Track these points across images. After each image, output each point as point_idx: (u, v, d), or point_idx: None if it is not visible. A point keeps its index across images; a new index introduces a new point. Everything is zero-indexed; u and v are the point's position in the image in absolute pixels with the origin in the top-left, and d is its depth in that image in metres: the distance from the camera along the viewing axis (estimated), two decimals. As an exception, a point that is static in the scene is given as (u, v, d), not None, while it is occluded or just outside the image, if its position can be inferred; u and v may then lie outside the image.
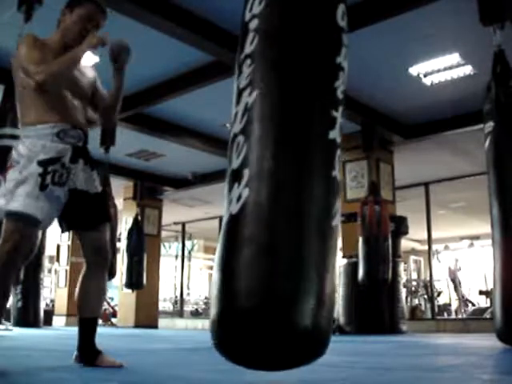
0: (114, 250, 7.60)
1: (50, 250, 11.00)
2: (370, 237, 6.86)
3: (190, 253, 16.62)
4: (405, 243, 9.64)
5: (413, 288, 12.26)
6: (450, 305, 12.28)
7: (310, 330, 1.30)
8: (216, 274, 1.39)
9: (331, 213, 1.39)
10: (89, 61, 2.60)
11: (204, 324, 12.31)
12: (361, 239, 6.89)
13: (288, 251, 1.33)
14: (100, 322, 10.28)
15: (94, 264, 2.35)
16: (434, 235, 10.53)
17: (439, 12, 5.10)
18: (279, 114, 1.42)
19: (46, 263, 11.21)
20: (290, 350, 1.31)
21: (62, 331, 7.96)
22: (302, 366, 1.38)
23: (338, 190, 1.44)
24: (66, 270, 11.17)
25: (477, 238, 13.77)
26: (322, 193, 1.39)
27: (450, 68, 6.35)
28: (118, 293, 11.28)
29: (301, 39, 1.45)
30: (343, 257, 7.26)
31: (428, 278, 10.94)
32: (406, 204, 9.59)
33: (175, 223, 14.25)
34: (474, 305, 11.76)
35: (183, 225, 14.48)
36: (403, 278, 9.48)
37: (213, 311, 1.37)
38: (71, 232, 2.49)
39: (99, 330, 2.40)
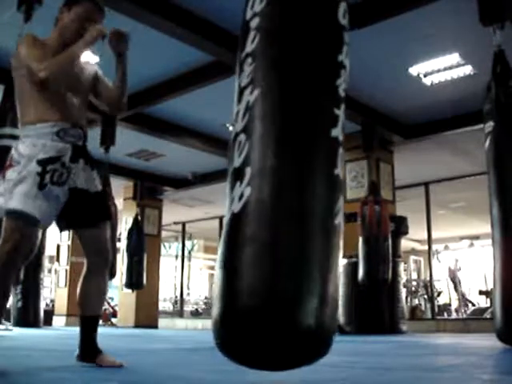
0: (114, 250, 7.61)
1: (50, 250, 11.00)
2: (370, 237, 6.86)
3: (189, 253, 16.62)
4: (405, 243, 9.64)
5: (413, 288, 12.26)
6: (450, 305, 12.28)
7: (314, 329, 1.29)
8: (218, 273, 1.39)
9: (334, 211, 1.39)
10: (89, 59, 2.59)
11: (204, 324, 12.31)
12: (361, 239, 6.89)
13: (291, 250, 1.33)
14: (100, 322, 10.29)
15: (95, 263, 2.35)
16: (434, 235, 10.53)
17: (439, 12, 5.10)
18: (281, 113, 1.42)
19: (46, 263, 11.21)
20: (294, 349, 1.31)
21: (62, 331, 7.96)
22: (305, 365, 1.38)
23: (340, 189, 1.44)
24: (66, 270, 11.17)
25: (477, 237, 13.77)
26: (324, 191, 1.38)
27: (450, 68, 6.35)
28: (118, 293, 11.28)
29: (302, 37, 1.45)
30: (343, 257, 7.25)
31: (428, 278, 10.95)
32: (406, 204, 9.59)
33: (175, 223, 14.26)
34: (474, 305, 11.76)
35: (183, 225, 14.48)
36: (403, 278, 9.47)
37: (215, 311, 1.36)
38: (71, 232, 2.49)
39: (99, 330, 2.39)
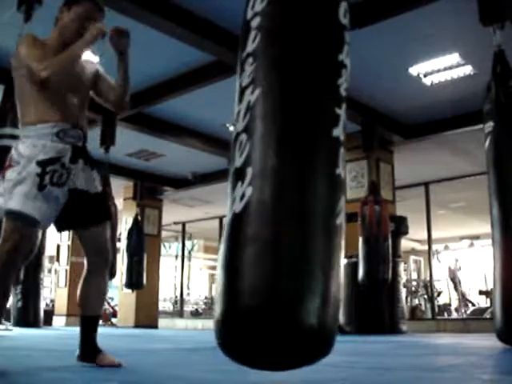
0: (114, 250, 7.61)
1: (50, 250, 10.99)
2: (370, 237, 6.86)
3: (190, 253, 16.62)
4: (405, 243, 9.64)
5: (413, 288, 12.26)
6: (450, 305, 12.28)
7: (316, 328, 1.29)
8: (220, 273, 1.39)
9: (335, 211, 1.38)
10: (90, 58, 2.58)
11: (204, 324, 12.31)
12: (361, 239, 6.89)
13: (292, 249, 1.32)
14: (100, 322, 10.29)
15: (95, 263, 2.35)
16: (434, 235, 10.53)
17: (439, 12, 5.10)
18: (282, 112, 1.42)
19: (46, 263, 11.21)
20: (296, 349, 1.31)
21: (62, 331, 7.96)
22: (307, 365, 1.37)
23: (342, 188, 1.44)
24: (66, 270, 11.17)
25: (477, 237, 13.77)
26: (325, 191, 1.38)
27: (450, 68, 6.35)
28: (118, 293, 11.28)
29: (303, 37, 1.45)
30: (343, 257, 7.25)
31: (428, 278, 10.95)
32: (406, 204, 9.59)
33: (175, 223, 14.25)
34: (474, 305, 11.76)
35: (183, 225, 14.48)
36: (403, 278, 9.47)
37: (217, 310, 1.36)
38: (71, 232, 2.49)
39: (99, 330, 2.39)
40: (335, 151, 1.43)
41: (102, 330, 2.40)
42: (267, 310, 1.27)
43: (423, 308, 11.08)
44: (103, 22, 2.39)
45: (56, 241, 11.36)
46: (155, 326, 11.22)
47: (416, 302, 11.75)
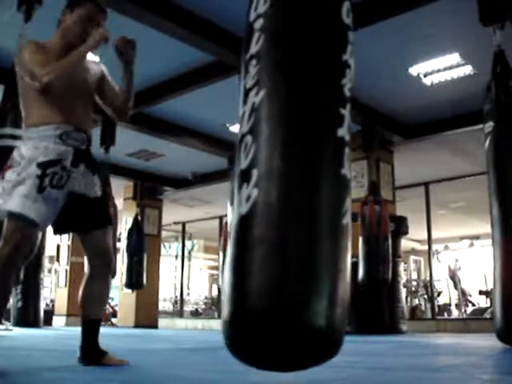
0: (114, 250, 7.61)
1: (50, 250, 11.00)
2: (370, 237, 6.87)
3: (190, 253, 16.62)
4: (405, 243, 9.64)
5: (413, 288, 12.26)
6: (450, 305, 12.29)
7: (324, 330, 1.29)
8: (227, 275, 1.39)
9: (342, 211, 1.38)
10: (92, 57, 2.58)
11: (204, 324, 12.32)
12: (361, 239, 6.90)
13: (299, 251, 1.32)
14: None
15: (97, 267, 2.36)
16: (434, 235, 10.53)
17: (439, 12, 5.10)
18: (287, 113, 1.41)
19: (46, 263, 11.21)
20: (304, 350, 1.31)
21: (62, 331, 7.96)
22: (315, 366, 1.38)
23: (348, 188, 1.44)
24: (66, 270, 11.17)
25: (477, 237, 13.77)
26: (331, 191, 1.38)
27: (450, 68, 6.35)
28: (118, 293, 11.28)
29: (306, 38, 1.45)
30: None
31: (428, 278, 10.95)
32: (406, 204, 9.59)
33: (175, 223, 14.26)
34: (474, 305, 11.77)
35: (183, 225, 14.48)
36: (403, 278, 9.48)
37: (224, 312, 1.37)
38: (71, 233, 2.49)
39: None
40: (340, 151, 1.43)
41: (102, 330, 2.40)
42: (275, 311, 1.28)
43: (423, 308, 11.08)
44: (105, 23, 2.39)
45: (56, 241, 11.36)
46: (155, 326, 11.22)
47: (416, 301, 11.75)
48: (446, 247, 13.64)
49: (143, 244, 9.90)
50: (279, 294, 1.29)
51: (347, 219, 1.39)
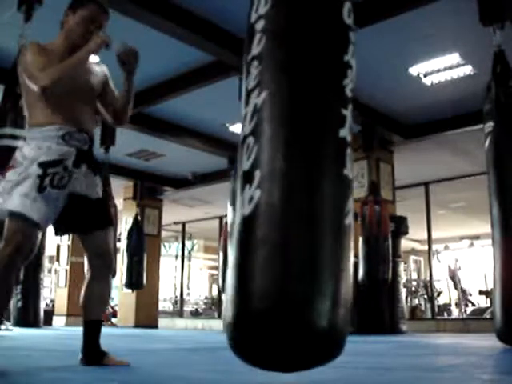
0: (115, 250, 7.61)
1: (50, 250, 11.00)
2: (370, 237, 6.87)
3: (190, 253, 16.63)
4: (405, 243, 9.64)
5: (413, 288, 12.26)
6: (450, 305, 12.29)
7: (327, 330, 1.30)
8: (230, 276, 1.39)
9: (344, 211, 1.39)
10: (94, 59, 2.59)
11: (204, 324, 12.32)
12: (361, 239, 6.90)
13: (302, 252, 1.33)
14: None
15: (97, 268, 2.36)
16: (434, 235, 10.53)
17: (439, 12, 5.10)
18: (288, 114, 1.42)
19: (46, 263, 11.21)
20: (307, 351, 1.32)
21: (62, 331, 7.96)
22: (318, 366, 1.39)
23: (350, 189, 1.44)
24: (66, 270, 11.17)
25: (477, 237, 13.77)
26: (333, 192, 1.38)
27: (450, 68, 6.35)
28: (117, 293, 11.28)
29: (307, 38, 1.45)
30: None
31: (428, 278, 10.95)
32: (406, 204, 9.59)
33: (175, 223, 14.26)
34: (474, 305, 11.77)
35: (183, 225, 14.48)
36: (403, 278, 9.48)
37: (228, 313, 1.37)
38: (72, 233, 2.49)
39: (99, 330, 2.39)
40: (342, 152, 1.43)
41: (102, 330, 2.40)
42: (278, 312, 1.28)
43: (423, 308, 11.08)
44: (107, 24, 2.40)
45: (56, 241, 11.36)
46: (155, 326, 11.23)
47: (416, 301, 11.75)
48: (446, 247, 13.64)
49: (143, 244, 9.90)
50: (282, 295, 1.29)
51: (350, 219, 1.40)
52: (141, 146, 9.18)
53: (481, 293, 11.45)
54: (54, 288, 12.70)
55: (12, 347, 3.91)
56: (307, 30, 1.45)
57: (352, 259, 1.43)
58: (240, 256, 1.38)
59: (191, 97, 6.93)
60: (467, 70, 6.34)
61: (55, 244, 11.53)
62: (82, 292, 2.37)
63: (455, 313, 11.82)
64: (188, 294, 15.82)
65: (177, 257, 15.63)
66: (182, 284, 14.20)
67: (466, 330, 8.27)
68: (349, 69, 1.48)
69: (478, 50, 5.67)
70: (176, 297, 15.29)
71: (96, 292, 2.36)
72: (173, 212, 12.57)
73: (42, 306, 9.33)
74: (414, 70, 6.44)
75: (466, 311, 11.21)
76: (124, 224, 10.85)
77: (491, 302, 8.90)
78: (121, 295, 11.16)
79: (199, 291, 17.46)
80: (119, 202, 10.30)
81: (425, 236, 10.32)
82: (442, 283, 12.44)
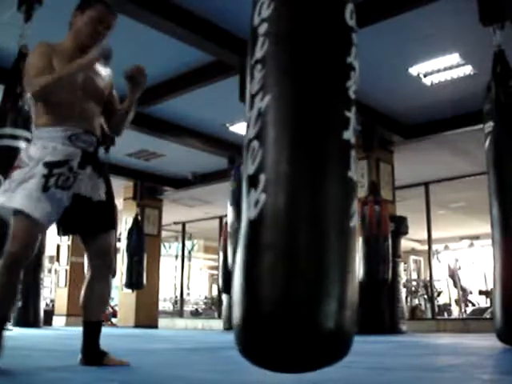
0: (115, 250, 7.61)
1: (50, 250, 11.00)
2: (370, 237, 6.87)
3: (190, 253, 16.63)
4: (405, 243, 9.64)
5: (413, 288, 12.26)
6: (450, 305, 12.29)
7: (334, 332, 1.31)
8: (238, 280, 1.40)
9: (349, 213, 1.39)
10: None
11: (204, 324, 12.32)
12: (361, 239, 6.90)
13: (307, 254, 1.33)
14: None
15: (98, 268, 2.36)
16: (434, 235, 10.53)
17: (439, 12, 5.10)
18: (292, 118, 1.42)
19: (46, 263, 11.21)
20: (315, 352, 1.33)
21: (62, 331, 7.96)
22: (325, 367, 1.40)
23: (354, 191, 1.44)
24: (66, 270, 11.17)
25: (477, 237, 13.77)
26: (338, 194, 1.39)
27: (450, 68, 6.35)
28: (117, 293, 11.28)
29: (310, 41, 1.45)
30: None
31: (428, 278, 10.95)
32: (406, 204, 9.59)
33: (175, 223, 14.26)
34: (473, 305, 11.77)
35: (183, 225, 14.48)
36: (403, 278, 9.48)
37: (236, 316, 1.38)
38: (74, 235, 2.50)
39: (99, 330, 2.39)
40: (346, 154, 1.43)
41: (102, 330, 2.40)
42: (285, 314, 1.29)
43: (423, 308, 11.08)
44: (115, 24, 2.41)
45: (56, 241, 11.36)
46: (155, 326, 11.22)
47: (416, 301, 11.75)
48: (446, 247, 13.64)
49: (143, 244, 9.90)
50: (289, 297, 1.30)
51: (354, 221, 1.40)
52: (141, 146, 9.18)
53: (481, 293, 11.45)
54: (54, 288, 12.70)
55: (12, 347, 3.90)
56: (310, 33, 1.45)
57: (357, 261, 1.44)
58: (247, 259, 1.38)
59: (191, 97, 6.93)
60: (467, 70, 6.34)
61: (55, 244, 11.53)
62: (82, 292, 2.37)
63: (455, 313, 11.82)
64: (188, 293, 15.83)
65: (177, 257, 15.63)
66: (182, 284, 14.20)
67: (466, 330, 8.27)
68: (352, 70, 1.48)
69: (477, 50, 5.67)
70: (176, 297, 15.29)
71: (96, 292, 2.36)
72: (173, 212, 12.57)
73: (42, 305, 9.33)
74: (413, 70, 6.44)
75: (466, 311, 11.21)
76: (124, 224, 10.85)
77: (491, 302, 8.89)
78: (121, 295, 11.16)
79: (199, 291, 17.46)
80: (119, 202, 10.30)
81: (425, 236, 10.32)
82: (442, 283, 12.44)
